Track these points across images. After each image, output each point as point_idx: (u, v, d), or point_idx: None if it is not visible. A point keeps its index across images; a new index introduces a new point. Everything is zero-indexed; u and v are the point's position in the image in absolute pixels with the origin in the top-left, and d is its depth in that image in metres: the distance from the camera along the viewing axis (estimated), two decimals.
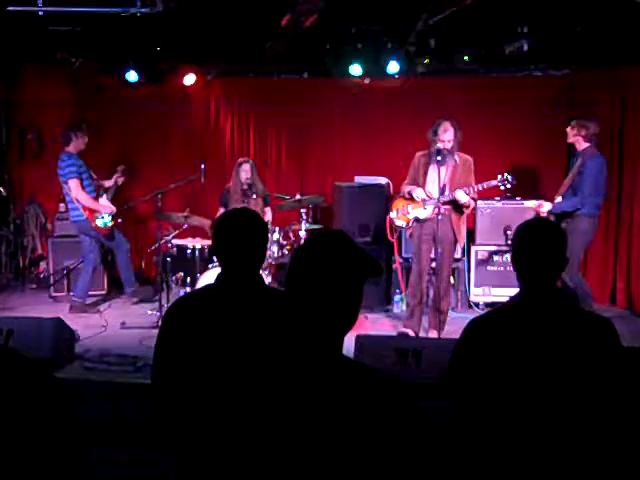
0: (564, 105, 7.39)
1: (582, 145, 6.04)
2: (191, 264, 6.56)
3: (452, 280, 6.54)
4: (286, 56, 7.13)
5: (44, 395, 1.57)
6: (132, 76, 7.35)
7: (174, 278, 6.72)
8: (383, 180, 7.43)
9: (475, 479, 2.35)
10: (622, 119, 7.16)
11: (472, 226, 7.08)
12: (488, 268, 7.06)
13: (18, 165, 8.25)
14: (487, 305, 6.91)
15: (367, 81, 7.63)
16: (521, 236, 2.43)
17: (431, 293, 6.32)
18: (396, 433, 1.49)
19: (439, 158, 5.63)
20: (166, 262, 6.67)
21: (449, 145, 5.65)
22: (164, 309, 6.14)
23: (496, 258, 7.06)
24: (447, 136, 5.64)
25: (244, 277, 2.41)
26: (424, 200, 5.80)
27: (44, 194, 8.06)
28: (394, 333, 6.06)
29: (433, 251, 5.79)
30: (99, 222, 6.77)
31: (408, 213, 5.94)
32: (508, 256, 7.00)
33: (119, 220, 7.14)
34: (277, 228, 6.58)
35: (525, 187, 7.00)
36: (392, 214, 6.08)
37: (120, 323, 6.35)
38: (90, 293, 7.05)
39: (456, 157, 5.72)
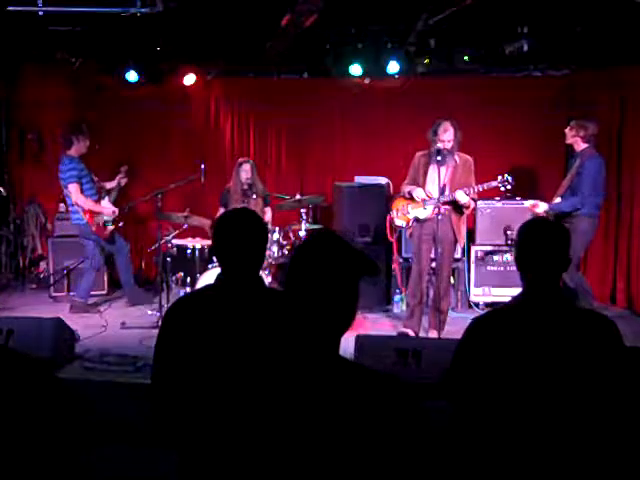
0: (564, 105, 7.40)
1: (581, 146, 6.05)
2: (191, 264, 6.56)
3: (452, 280, 6.54)
4: (286, 56, 7.13)
5: (46, 394, 1.57)
6: (132, 76, 7.35)
7: (174, 278, 6.72)
8: (383, 180, 7.43)
9: (476, 479, 2.34)
10: (621, 119, 7.16)
11: (472, 226, 7.09)
12: (488, 268, 7.06)
13: (18, 165, 8.25)
14: (487, 305, 6.92)
15: (367, 81, 7.63)
16: (524, 236, 2.42)
17: (431, 293, 6.32)
18: (396, 433, 1.49)
19: (439, 158, 5.63)
20: (166, 262, 6.67)
21: (449, 145, 5.65)
22: (164, 309, 6.14)
23: (496, 258, 7.06)
24: (447, 136, 5.64)
25: (244, 277, 2.41)
26: (424, 200, 5.80)
27: (44, 194, 8.06)
28: (394, 333, 6.06)
29: (433, 251, 5.79)
30: (100, 221, 6.78)
31: (408, 213, 5.94)
32: (508, 256, 7.01)
33: (120, 224, 7.11)
34: (277, 228, 6.58)
35: (524, 187, 7.00)
36: (392, 214, 6.09)
37: (120, 323, 6.35)
38: (91, 293, 7.06)
39: (456, 157, 5.72)
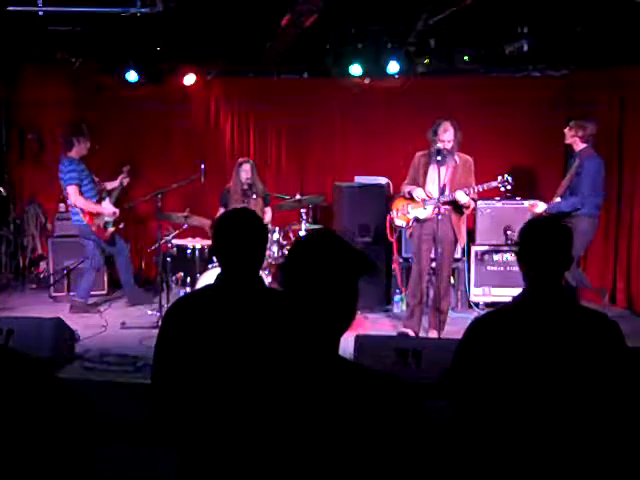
0: (563, 105, 7.41)
1: (579, 146, 6.05)
2: (191, 264, 6.56)
3: (452, 280, 6.54)
4: (286, 56, 7.13)
5: (46, 394, 1.57)
6: (132, 76, 7.35)
7: (174, 278, 6.72)
8: (383, 180, 7.43)
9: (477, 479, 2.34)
10: (621, 119, 7.16)
11: (472, 226, 7.09)
12: (488, 268, 7.06)
13: (18, 165, 8.25)
14: (487, 305, 6.92)
15: (367, 81, 7.63)
16: (527, 235, 2.42)
17: (431, 293, 6.32)
18: (396, 433, 1.49)
19: (439, 158, 5.63)
20: (166, 262, 6.67)
21: (449, 145, 5.65)
22: (164, 309, 6.14)
23: (496, 258, 7.06)
24: (447, 136, 5.64)
25: (244, 277, 2.41)
26: (424, 200, 5.80)
27: (44, 194, 8.06)
28: (394, 333, 6.06)
29: (433, 251, 5.79)
30: (101, 223, 6.77)
31: (408, 213, 5.94)
32: (508, 256, 7.01)
33: (121, 225, 7.09)
34: (277, 228, 6.57)
35: (524, 187, 7.01)
36: (392, 214, 6.09)
37: (120, 323, 6.35)
38: (91, 293, 7.06)
39: (456, 157, 5.72)
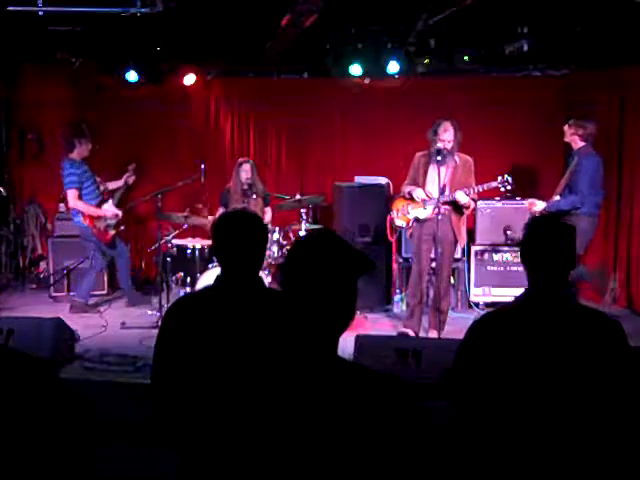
0: (563, 105, 7.41)
1: (578, 144, 6.06)
2: (191, 264, 6.56)
3: (452, 280, 6.55)
4: (286, 56, 7.13)
5: (46, 394, 1.57)
6: (132, 76, 7.35)
7: (174, 278, 6.72)
8: (383, 180, 7.43)
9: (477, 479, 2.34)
10: (621, 119, 7.16)
11: (472, 226, 7.09)
12: (488, 268, 7.06)
13: (18, 165, 8.24)
14: (487, 305, 6.91)
15: (367, 81, 7.63)
16: (530, 234, 2.40)
17: (431, 293, 6.32)
18: (396, 433, 1.49)
19: (439, 158, 5.63)
20: (166, 262, 6.67)
21: (449, 145, 5.65)
22: (164, 309, 6.14)
23: (496, 258, 7.06)
24: (447, 136, 5.64)
25: (244, 278, 2.42)
26: (424, 200, 5.80)
27: (44, 194, 8.06)
28: (394, 333, 6.06)
29: (433, 251, 5.79)
30: (102, 225, 6.76)
31: (408, 213, 5.94)
32: (508, 256, 7.01)
33: (122, 227, 7.05)
34: (277, 228, 6.57)
35: (524, 187, 7.00)
36: (392, 214, 6.09)
37: (120, 323, 6.35)
38: (91, 293, 7.05)
39: (456, 157, 5.72)
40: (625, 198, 7.13)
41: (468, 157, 5.79)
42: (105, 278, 7.53)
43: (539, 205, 6.11)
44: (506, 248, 7.01)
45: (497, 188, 5.82)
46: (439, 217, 5.58)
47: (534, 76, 7.75)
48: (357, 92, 7.73)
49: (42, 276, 7.85)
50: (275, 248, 6.45)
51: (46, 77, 7.84)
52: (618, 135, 7.16)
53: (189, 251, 6.63)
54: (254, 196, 6.70)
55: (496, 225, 7.05)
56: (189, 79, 7.68)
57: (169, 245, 6.71)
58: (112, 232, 6.87)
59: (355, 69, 7.16)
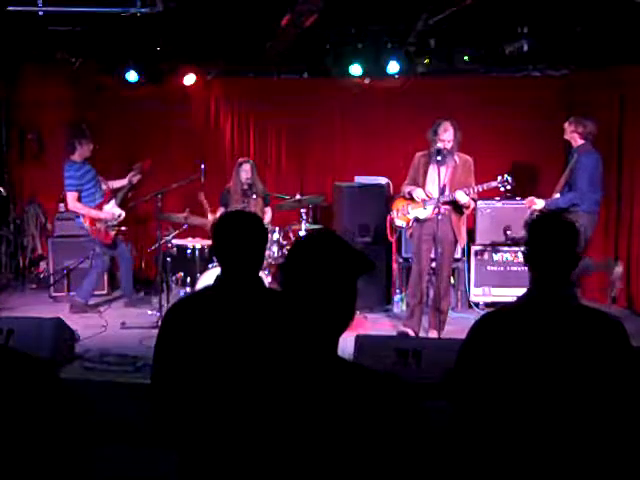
0: (563, 105, 7.40)
1: (577, 142, 6.07)
2: (191, 264, 6.56)
3: (452, 280, 6.55)
4: (286, 56, 7.13)
5: (47, 394, 1.57)
6: (132, 76, 7.35)
7: (174, 278, 6.73)
8: (383, 180, 7.43)
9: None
10: (621, 119, 7.16)
11: (472, 226, 7.09)
12: (488, 268, 7.05)
13: (18, 165, 8.24)
14: (487, 305, 6.91)
15: (367, 81, 7.63)
16: (532, 233, 2.40)
17: (431, 293, 6.32)
18: (396, 432, 1.49)
19: (439, 158, 5.63)
20: (166, 262, 6.67)
21: (449, 145, 5.65)
22: (164, 309, 6.14)
23: (496, 258, 7.06)
24: (447, 136, 5.64)
25: (243, 278, 2.42)
26: (424, 200, 5.81)
27: (44, 194, 8.06)
28: (394, 333, 6.06)
29: (433, 251, 5.80)
30: (102, 227, 6.74)
31: (408, 213, 5.94)
32: (508, 256, 7.01)
33: (123, 228, 6.98)
34: (277, 228, 6.57)
35: (524, 187, 7.00)
36: (392, 214, 6.09)
37: (120, 323, 6.35)
38: (92, 294, 7.05)
39: (456, 157, 5.73)
40: (625, 198, 7.13)
41: (468, 157, 5.79)
42: (105, 278, 7.53)
43: (539, 203, 6.11)
44: (506, 248, 7.01)
45: (497, 188, 5.83)
46: (439, 217, 5.58)
47: (534, 76, 7.75)
48: (357, 92, 7.73)
49: (42, 276, 7.85)
50: (275, 248, 6.45)
51: (46, 77, 7.83)
52: (618, 135, 7.16)
53: (189, 251, 6.63)
54: (254, 196, 6.70)
55: (496, 225, 7.05)
56: (189, 79, 7.68)
57: (169, 245, 6.71)
58: (112, 233, 6.85)
59: (355, 69, 7.16)
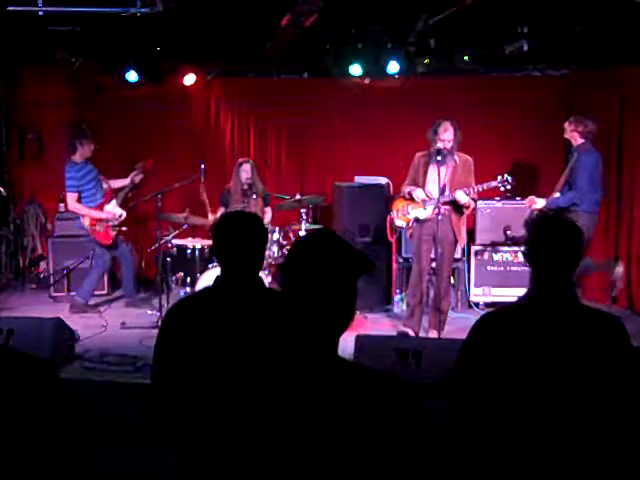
0: (563, 105, 7.41)
1: (577, 141, 6.07)
2: (191, 264, 6.56)
3: (452, 280, 6.55)
4: (286, 56, 7.13)
5: (47, 394, 1.57)
6: (132, 76, 7.35)
7: (174, 278, 6.72)
8: (383, 180, 7.43)
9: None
10: (621, 118, 7.16)
11: (472, 226, 7.09)
12: (488, 268, 7.05)
13: (18, 165, 8.24)
14: (487, 305, 6.91)
15: (367, 81, 7.63)
16: (534, 232, 2.39)
17: (431, 293, 6.32)
18: (396, 432, 1.49)
19: (439, 158, 5.63)
20: (166, 262, 6.67)
21: (449, 145, 5.66)
22: (164, 309, 6.15)
23: (496, 258, 7.05)
24: (447, 136, 5.64)
25: (243, 278, 2.42)
26: (424, 200, 5.81)
27: (44, 194, 8.06)
28: (394, 333, 6.06)
29: (433, 251, 5.80)
30: (101, 228, 6.74)
31: (408, 213, 5.94)
32: (508, 256, 7.01)
33: (123, 228, 6.95)
34: (277, 228, 6.57)
35: (524, 187, 7.00)
36: (392, 214, 6.09)
37: (120, 323, 6.35)
38: (93, 294, 7.05)
39: (456, 157, 5.73)
40: (625, 198, 7.13)
41: (468, 157, 5.79)
42: (105, 278, 7.53)
43: (539, 203, 6.11)
44: (506, 248, 7.01)
45: (497, 187, 5.82)
46: (439, 217, 5.58)
47: (534, 76, 7.75)
48: (357, 92, 7.73)
49: (42, 276, 7.85)
50: (275, 248, 6.45)
51: (46, 77, 7.83)
52: (618, 135, 7.16)
53: (189, 251, 6.63)
54: (254, 196, 6.70)
55: (496, 225, 7.05)
56: (189, 79, 7.68)
57: (169, 245, 6.71)
58: (113, 233, 6.83)
59: (355, 69, 7.16)
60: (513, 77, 7.76)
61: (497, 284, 6.97)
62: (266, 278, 6.08)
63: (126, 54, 7.22)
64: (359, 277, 1.62)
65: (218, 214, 6.76)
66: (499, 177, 5.78)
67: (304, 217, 6.75)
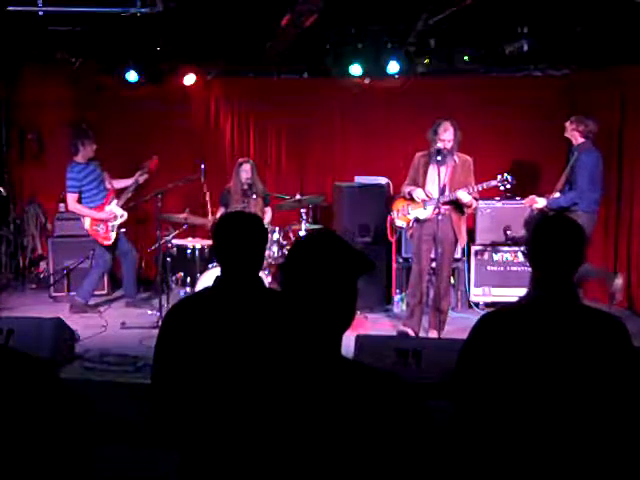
0: (564, 105, 7.40)
1: (578, 140, 6.07)
2: (191, 264, 6.56)
3: (452, 280, 6.54)
4: (286, 56, 7.13)
5: (47, 394, 1.57)
6: (132, 76, 7.35)
7: (174, 278, 6.72)
8: (383, 180, 7.43)
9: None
10: (622, 118, 7.16)
11: (472, 226, 7.08)
12: (488, 268, 7.05)
13: (18, 165, 8.24)
14: (487, 305, 6.90)
15: (367, 81, 7.63)
16: (537, 233, 2.38)
17: (431, 293, 6.32)
18: (398, 431, 1.49)
19: (439, 158, 5.63)
20: (166, 262, 6.66)
21: (449, 145, 5.66)
22: (164, 309, 6.15)
23: (496, 258, 7.05)
24: (447, 135, 5.64)
25: (243, 278, 2.42)
26: (424, 201, 5.81)
27: (44, 194, 8.06)
28: (394, 333, 6.06)
29: (433, 251, 5.80)
30: (101, 229, 6.73)
31: (408, 214, 5.95)
32: (508, 256, 7.01)
33: (122, 230, 6.91)
34: (277, 228, 6.57)
35: (525, 187, 7.00)
36: (393, 215, 6.10)
37: (120, 323, 6.35)
38: (93, 294, 7.04)
39: (455, 157, 5.73)
40: (625, 198, 7.13)
41: (467, 157, 5.79)
42: (105, 278, 7.53)
43: (540, 202, 6.10)
44: (506, 248, 7.01)
45: (497, 187, 5.82)
46: (439, 217, 5.58)
47: (534, 76, 7.75)
48: (357, 92, 7.73)
49: (42, 276, 7.85)
50: (275, 248, 6.45)
51: (46, 77, 7.83)
52: (619, 135, 7.16)
53: (189, 251, 6.63)
54: (254, 196, 6.70)
55: (496, 225, 7.05)
56: (189, 79, 7.68)
57: (169, 245, 6.71)
58: (113, 234, 6.82)
59: (355, 69, 7.16)
60: (513, 77, 7.75)
61: (497, 284, 6.97)
62: (266, 278, 6.08)
63: (126, 54, 7.22)
64: (359, 277, 1.62)
65: (218, 214, 6.76)
66: (499, 176, 5.78)
67: (304, 217, 6.75)
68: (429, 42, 6.85)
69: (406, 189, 5.93)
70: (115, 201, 6.86)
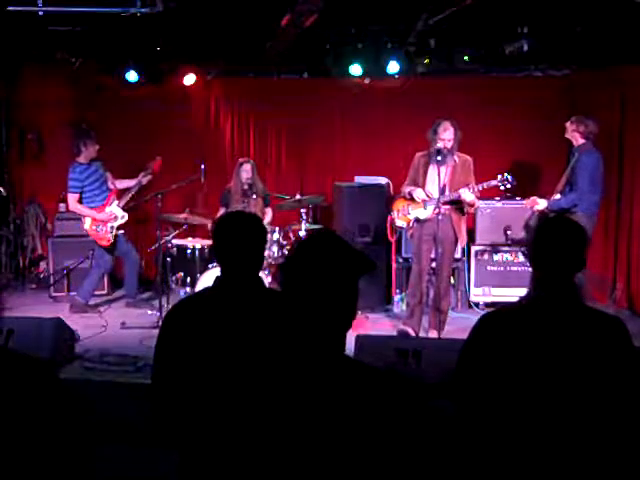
0: (564, 105, 7.40)
1: (579, 141, 6.06)
2: (191, 264, 6.56)
3: (452, 280, 6.54)
4: (286, 56, 7.13)
5: (47, 395, 1.57)
6: (132, 76, 7.35)
7: (174, 278, 6.72)
8: (383, 180, 7.43)
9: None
10: (622, 119, 7.16)
11: (472, 226, 7.08)
12: (488, 268, 7.05)
13: (18, 165, 8.24)
14: (487, 305, 6.91)
15: (367, 81, 7.63)
16: (539, 234, 2.39)
17: (431, 293, 6.32)
18: (399, 429, 1.49)
19: (439, 158, 5.63)
20: (166, 262, 6.66)
21: (449, 144, 5.66)
22: (164, 309, 6.15)
23: (496, 258, 7.05)
24: (447, 135, 5.64)
25: (243, 278, 2.42)
26: (424, 201, 5.81)
27: (44, 194, 8.06)
28: (394, 333, 6.06)
29: (433, 251, 5.80)
30: (101, 230, 6.73)
31: (409, 213, 5.95)
32: (508, 256, 7.01)
33: (121, 231, 6.86)
34: (277, 228, 6.57)
35: (525, 188, 6.99)
36: (393, 215, 6.10)
37: (120, 323, 6.35)
38: (93, 294, 7.04)
39: (455, 157, 5.73)
40: (625, 198, 7.13)
41: (467, 157, 5.79)
42: (105, 278, 7.52)
43: (541, 204, 6.09)
44: (506, 248, 7.01)
45: (497, 187, 5.82)
46: (439, 217, 5.58)
47: (535, 76, 7.75)
48: (357, 92, 7.73)
49: (42, 276, 7.85)
50: (275, 248, 6.45)
51: (46, 77, 7.83)
52: (619, 135, 7.16)
53: (189, 251, 6.63)
54: (254, 196, 6.71)
55: (496, 225, 7.05)
56: (189, 79, 7.68)
57: (169, 245, 6.71)
58: (112, 235, 6.80)
59: (355, 69, 7.16)
60: (514, 77, 7.75)
61: (497, 284, 6.97)
62: (266, 278, 6.08)
63: (126, 54, 7.22)
64: (360, 277, 1.62)
65: (218, 214, 6.76)
66: (499, 176, 5.78)
67: (304, 217, 6.76)
68: (429, 42, 6.85)
69: (406, 189, 5.93)
70: (116, 202, 6.85)
